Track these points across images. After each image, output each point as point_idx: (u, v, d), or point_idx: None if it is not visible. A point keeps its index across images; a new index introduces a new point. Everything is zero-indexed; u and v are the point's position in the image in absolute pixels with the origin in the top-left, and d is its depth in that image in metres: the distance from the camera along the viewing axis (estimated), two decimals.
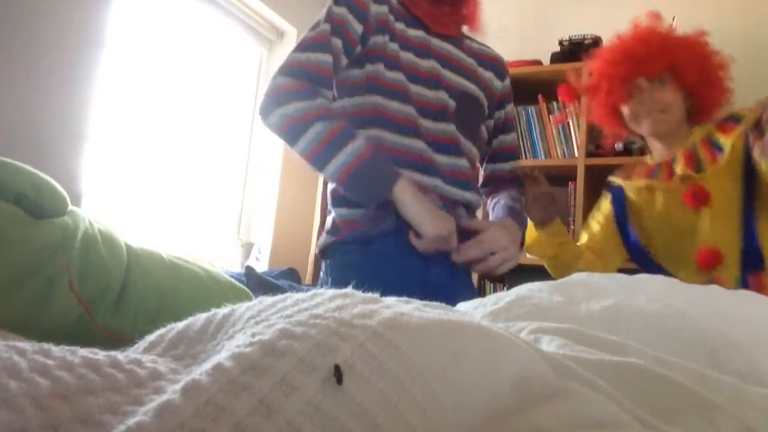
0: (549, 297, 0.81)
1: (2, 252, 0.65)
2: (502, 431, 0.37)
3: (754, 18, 2.49)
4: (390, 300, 0.48)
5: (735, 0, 2.53)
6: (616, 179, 1.75)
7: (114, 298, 0.76)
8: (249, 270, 2.29)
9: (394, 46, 1.29)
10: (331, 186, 1.32)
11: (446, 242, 1.19)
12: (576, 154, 2.41)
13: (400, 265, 1.21)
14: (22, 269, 0.66)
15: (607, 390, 0.44)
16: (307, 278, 2.67)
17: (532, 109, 2.57)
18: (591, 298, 0.81)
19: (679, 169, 1.57)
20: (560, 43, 2.56)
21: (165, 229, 2.36)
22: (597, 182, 2.10)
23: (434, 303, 0.56)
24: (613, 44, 1.67)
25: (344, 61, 1.26)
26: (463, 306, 0.85)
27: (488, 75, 1.46)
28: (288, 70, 1.21)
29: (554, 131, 2.50)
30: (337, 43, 1.23)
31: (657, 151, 1.68)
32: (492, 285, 2.52)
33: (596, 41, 2.45)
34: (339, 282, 1.24)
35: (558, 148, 2.48)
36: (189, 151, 2.53)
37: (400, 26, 1.32)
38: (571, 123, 2.47)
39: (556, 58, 2.56)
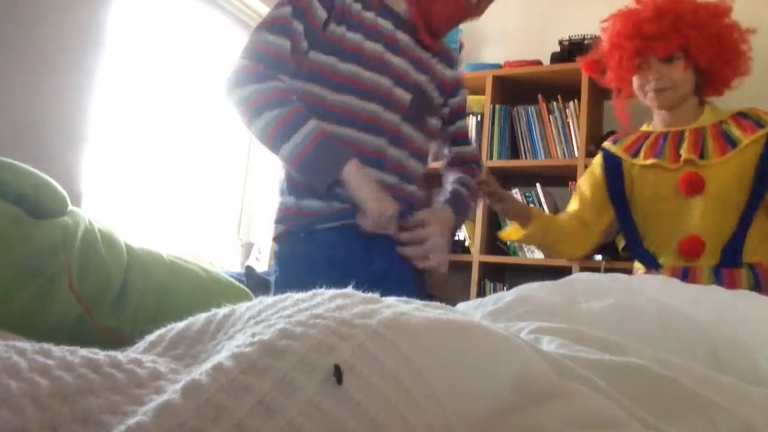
0: (549, 297, 0.81)
1: (2, 252, 0.65)
2: (502, 430, 0.37)
3: None
4: (390, 300, 0.48)
5: None
6: (611, 147, 1.72)
7: (114, 298, 0.76)
8: (249, 270, 2.30)
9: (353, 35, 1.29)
10: (281, 174, 1.35)
11: (387, 225, 1.24)
12: (576, 154, 2.41)
13: (344, 255, 1.25)
14: (22, 269, 0.66)
15: (607, 390, 0.44)
16: None
17: (532, 109, 2.56)
18: (591, 298, 0.81)
19: (684, 151, 1.55)
20: (560, 43, 2.56)
21: (165, 229, 2.37)
22: None
23: (434, 303, 0.56)
24: (628, 10, 1.61)
25: (305, 44, 1.26)
26: (463, 306, 0.85)
27: (440, 66, 1.46)
28: (247, 53, 1.23)
29: (554, 131, 2.50)
30: (298, 26, 1.24)
31: (660, 119, 1.65)
32: (492, 285, 2.51)
33: (596, 41, 2.44)
34: (286, 270, 1.28)
35: (558, 148, 2.48)
36: (189, 151, 2.53)
37: (367, 14, 1.32)
38: (571, 123, 2.46)
39: (556, 58, 2.56)
